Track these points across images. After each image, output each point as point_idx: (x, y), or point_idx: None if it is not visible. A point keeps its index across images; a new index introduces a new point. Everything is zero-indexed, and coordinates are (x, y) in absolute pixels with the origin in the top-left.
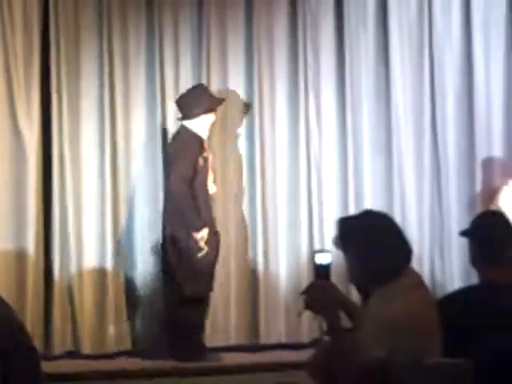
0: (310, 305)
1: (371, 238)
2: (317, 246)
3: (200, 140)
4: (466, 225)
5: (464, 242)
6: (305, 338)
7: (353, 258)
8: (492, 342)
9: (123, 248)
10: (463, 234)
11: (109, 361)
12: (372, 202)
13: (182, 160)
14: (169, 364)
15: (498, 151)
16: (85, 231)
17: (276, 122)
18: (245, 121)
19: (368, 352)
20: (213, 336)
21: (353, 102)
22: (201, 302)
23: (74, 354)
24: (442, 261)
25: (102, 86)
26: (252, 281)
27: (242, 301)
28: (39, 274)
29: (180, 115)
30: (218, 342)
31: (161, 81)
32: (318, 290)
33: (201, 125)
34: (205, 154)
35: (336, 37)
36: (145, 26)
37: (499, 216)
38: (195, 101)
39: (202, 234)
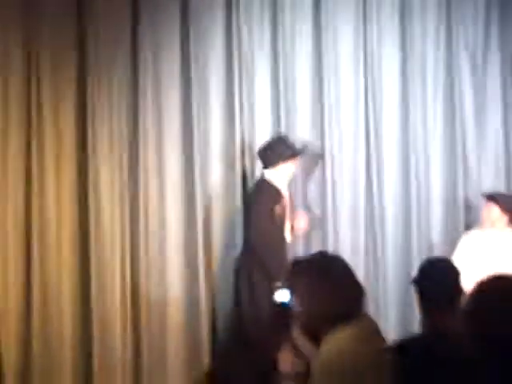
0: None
1: (322, 281)
2: None
3: (276, 189)
4: (401, 272)
5: (400, 289)
6: None
7: (302, 300)
8: None
9: None
10: (413, 282)
11: None
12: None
13: (260, 212)
14: None
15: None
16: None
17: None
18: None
19: None
20: None
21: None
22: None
23: None
24: (377, 311)
25: None
26: None
27: None
28: None
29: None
30: None
31: None
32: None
33: (279, 174)
34: (282, 204)
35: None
36: None
37: (447, 264)
38: (274, 150)
39: None
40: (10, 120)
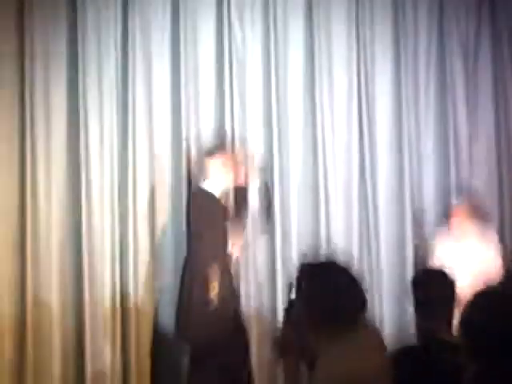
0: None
1: (325, 289)
2: None
3: (212, 197)
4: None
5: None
6: None
7: (305, 305)
8: None
9: None
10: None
11: None
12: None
13: (193, 219)
14: None
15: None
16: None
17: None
18: None
19: None
20: None
21: None
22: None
23: None
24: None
25: None
26: None
27: None
28: None
29: None
30: None
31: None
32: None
33: (214, 182)
34: (218, 211)
35: None
36: None
37: (440, 274)
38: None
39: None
40: None
